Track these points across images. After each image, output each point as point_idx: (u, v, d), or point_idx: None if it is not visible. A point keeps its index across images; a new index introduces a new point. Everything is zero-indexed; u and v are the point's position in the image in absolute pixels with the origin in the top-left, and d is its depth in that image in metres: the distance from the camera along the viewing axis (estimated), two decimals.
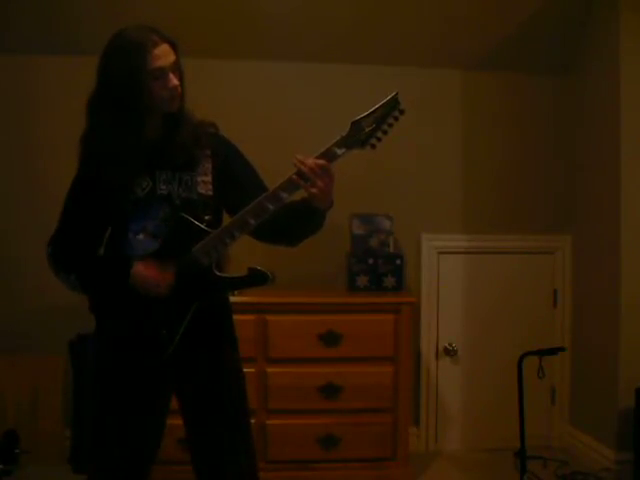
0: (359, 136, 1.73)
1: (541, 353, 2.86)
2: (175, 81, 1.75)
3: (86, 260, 1.87)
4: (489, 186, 3.67)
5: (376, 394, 3.11)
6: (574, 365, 3.65)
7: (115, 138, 1.75)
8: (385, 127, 1.73)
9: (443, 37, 3.42)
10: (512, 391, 2.82)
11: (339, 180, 1.79)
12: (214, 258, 1.80)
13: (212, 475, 1.92)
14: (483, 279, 3.66)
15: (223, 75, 3.46)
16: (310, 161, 1.72)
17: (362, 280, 3.33)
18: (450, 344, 3.63)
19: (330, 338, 3.09)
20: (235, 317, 2.01)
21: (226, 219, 1.89)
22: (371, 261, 3.32)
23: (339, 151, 1.73)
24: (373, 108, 1.73)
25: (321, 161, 1.72)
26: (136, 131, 1.77)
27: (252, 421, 2.04)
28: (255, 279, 1.81)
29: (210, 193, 1.86)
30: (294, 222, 1.85)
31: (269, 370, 3.08)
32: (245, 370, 2.00)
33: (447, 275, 3.65)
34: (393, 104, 1.73)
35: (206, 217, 1.82)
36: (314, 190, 1.72)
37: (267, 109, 3.48)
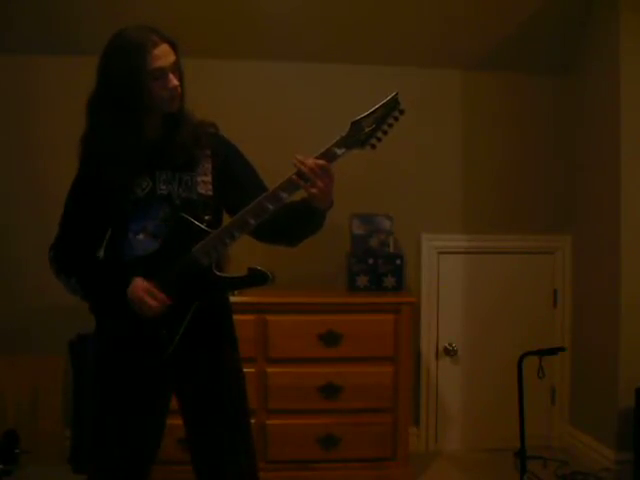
0: (359, 136, 1.72)
1: (541, 353, 2.86)
2: (175, 81, 1.75)
3: (86, 265, 1.87)
4: (489, 186, 3.67)
5: (376, 394, 3.11)
6: (574, 365, 3.65)
7: (115, 138, 1.75)
8: (385, 127, 1.73)
9: (443, 37, 3.42)
10: (512, 391, 2.82)
11: (339, 180, 1.79)
12: (214, 258, 1.79)
13: (212, 475, 1.92)
14: (483, 279, 3.66)
15: (223, 75, 3.46)
16: (310, 161, 1.71)
17: (362, 280, 3.33)
18: (450, 344, 3.63)
19: (330, 338, 3.09)
20: (235, 317, 2.01)
21: (226, 219, 1.89)
22: (371, 261, 3.32)
23: (339, 151, 1.72)
24: (373, 108, 1.73)
25: (321, 161, 1.71)
26: (136, 131, 1.77)
27: (252, 421, 2.04)
28: (255, 279, 1.81)
29: (210, 193, 1.86)
30: (294, 222, 1.85)
31: (269, 370, 3.08)
32: (245, 370, 2.00)
33: (447, 275, 3.65)
34: (393, 104, 1.73)
35: (206, 217, 1.82)
36: (314, 190, 1.72)
37: (267, 109, 3.48)
